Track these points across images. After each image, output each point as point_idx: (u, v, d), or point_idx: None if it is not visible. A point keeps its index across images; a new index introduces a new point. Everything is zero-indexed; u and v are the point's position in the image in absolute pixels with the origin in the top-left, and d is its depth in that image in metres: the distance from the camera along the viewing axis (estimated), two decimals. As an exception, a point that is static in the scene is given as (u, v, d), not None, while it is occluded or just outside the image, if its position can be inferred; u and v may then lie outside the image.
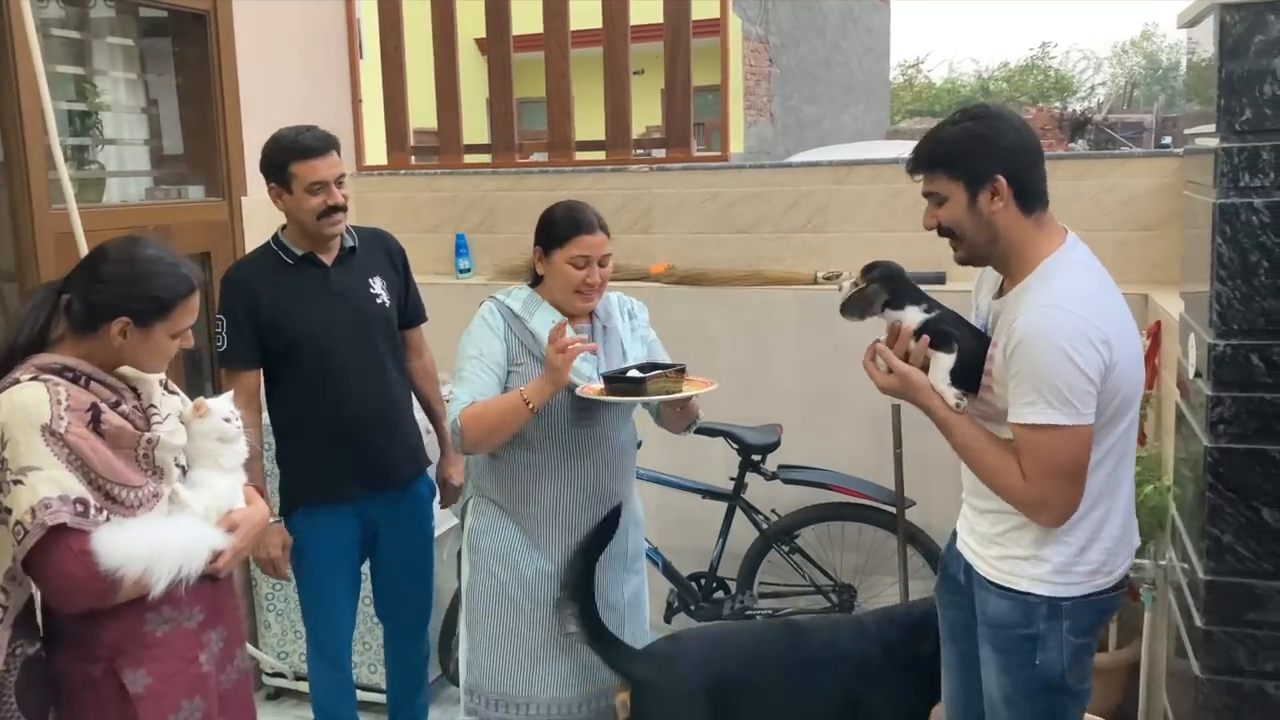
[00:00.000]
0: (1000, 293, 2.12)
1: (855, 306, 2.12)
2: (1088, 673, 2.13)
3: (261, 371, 2.93)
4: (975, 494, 2.19)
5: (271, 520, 2.88)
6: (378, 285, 2.99)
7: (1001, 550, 2.11)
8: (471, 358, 2.57)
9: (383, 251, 3.07)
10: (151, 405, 2.02)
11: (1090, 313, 1.94)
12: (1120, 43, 39.31)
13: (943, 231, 2.08)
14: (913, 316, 2.08)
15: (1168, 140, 17.09)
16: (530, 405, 2.42)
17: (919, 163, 2.08)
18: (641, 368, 2.53)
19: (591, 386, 2.49)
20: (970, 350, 2.08)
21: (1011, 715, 2.14)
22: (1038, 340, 1.93)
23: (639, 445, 2.84)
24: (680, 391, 2.47)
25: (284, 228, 2.95)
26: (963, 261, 2.12)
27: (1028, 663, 2.07)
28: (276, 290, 2.87)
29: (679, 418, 2.62)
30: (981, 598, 2.16)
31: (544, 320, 2.58)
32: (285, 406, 2.96)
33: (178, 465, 2.04)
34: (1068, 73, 32.89)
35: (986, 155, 2.00)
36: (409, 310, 3.12)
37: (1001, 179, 1.98)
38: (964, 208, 2.02)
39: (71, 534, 1.80)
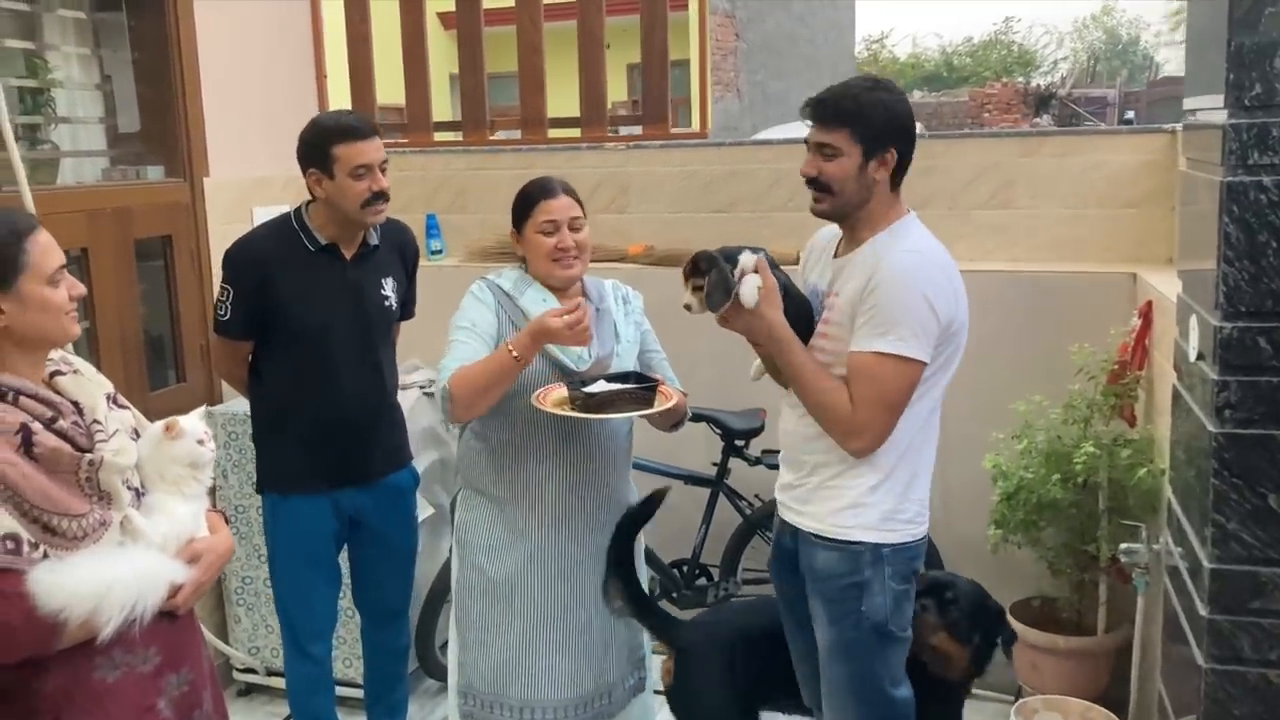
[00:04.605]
0: (838, 254, 2.31)
1: (719, 292, 2.20)
2: (908, 619, 2.31)
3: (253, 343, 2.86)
4: (801, 449, 2.32)
5: None
6: (389, 287, 2.90)
7: (830, 504, 2.26)
8: (463, 328, 2.50)
9: (398, 251, 2.97)
10: (95, 421, 1.79)
11: (946, 266, 2.19)
12: (1081, 18, 39.54)
13: (818, 184, 2.22)
14: (747, 259, 2.23)
15: (1130, 115, 17.25)
16: (516, 356, 2.34)
17: (827, 115, 2.19)
18: (620, 377, 2.47)
19: (550, 395, 2.41)
20: (796, 298, 2.31)
21: (842, 663, 2.30)
22: (903, 279, 2.13)
23: None
24: (651, 407, 2.40)
25: (308, 204, 2.81)
26: (823, 214, 2.27)
27: (854, 609, 2.24)
28: (290, 277, 2.75)
29: (663, 419, 2.55)
30: (809, 554, 2.31)
31: (534, 299, 2.52)
32: (272, 390, 2.87)
33: (129, 488, 1.81)
34: (1030, 47, 33.04)
35: (891, 128, 2.18)
36: (400, 307, 3.03)
37: (894, 152, 2.18)
38: (855, 168, 2.18)
39: (1, 575, 1.59)
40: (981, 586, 2.64)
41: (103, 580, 1.66)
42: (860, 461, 2.22)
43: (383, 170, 2.74)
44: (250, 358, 2.90)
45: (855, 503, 2.23)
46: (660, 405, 2.41)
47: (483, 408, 2.45)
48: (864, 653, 2.28)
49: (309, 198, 2.82)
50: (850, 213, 2.25)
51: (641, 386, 2.44)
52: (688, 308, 2.27)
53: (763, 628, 2.66)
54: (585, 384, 2.40)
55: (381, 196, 2.74)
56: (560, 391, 2.43)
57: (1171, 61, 28.79)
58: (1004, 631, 2.61)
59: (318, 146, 2.70)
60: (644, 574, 2.79)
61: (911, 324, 2.11)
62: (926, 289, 2.12)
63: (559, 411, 2.38)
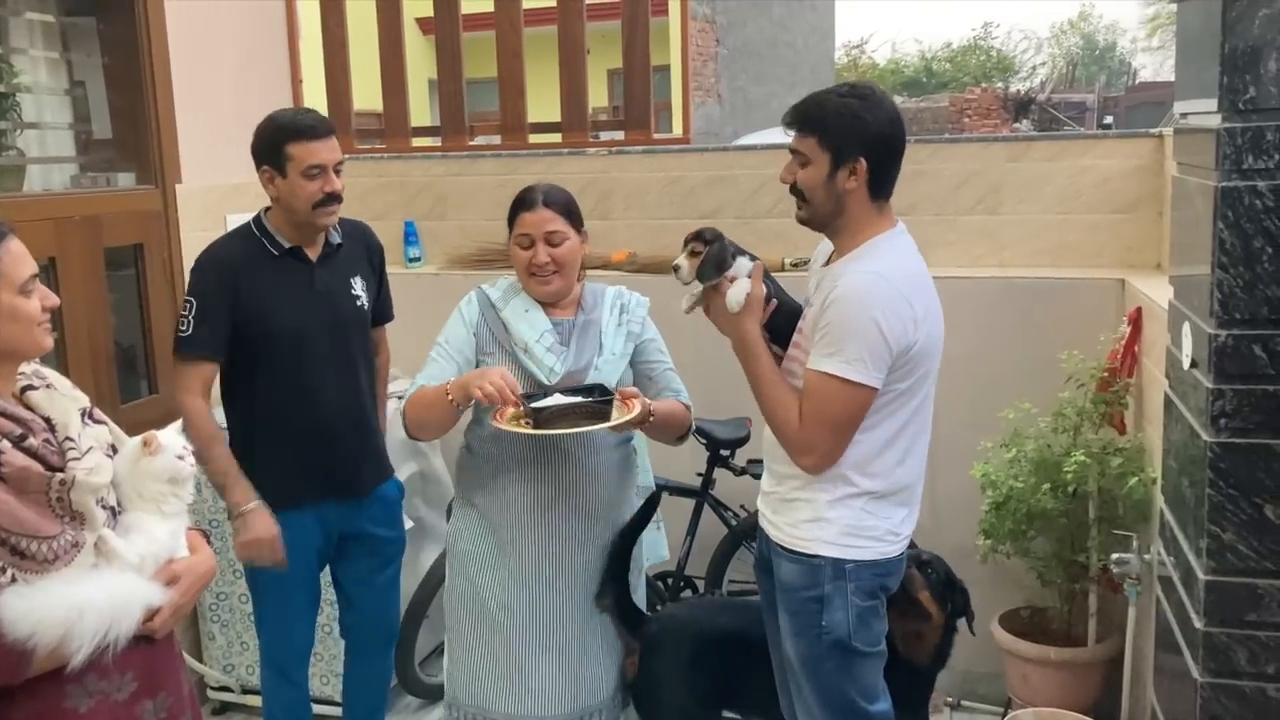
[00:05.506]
0: (828, 263, 2.27)
1: (712, 265, 2.23)
2: (876, 635, 2.27)
3: (220, 365, 2.74)
4: (775, 458, 2.30)
5: (252, 504, 2.64)
6: (358, 286, 2.84)
7: (793, 515, 2.24)
8: (438, 345, 2.50)
9: (364, 250, 2.92)
10: (68, 439, 1.72)
11: (908, 289, 2.13)
12: (1058, 23, 39.89)
13: (794, 190, 2.22)
14: (744, 264, 2.26)
15: (1109, 120, 17.35)
16: (451, 399, 2.32)
17: (798, 120, 2.19)
18: (584, 390, 2.37)
19: (507, 410, 2.34)
20: (788, 307, 2.31)
21: (808, 676, 2.27)
22: (854, 300, 2.10)
23: None
24: (607, 421, 2.31)
25: (267, 210, 2.76)
26: (803, 221, 2.26)
27: (815, 624, 2.22)
28: (257, 281, 2.68)
29: (658, 432, 2.49)
30: (776, 564, 2.29)
31: (517, 309, 2.49)
32: (250, 405, 2.78)
33: (105, 507, 1.73)
34: (1009, 53, 33.23)
35: (858, 137, 2.12)
36: (377, 309, 2.97)
37: (863, 162, 2.13)
38: (823, 177, 2.15)
39: None
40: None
41: (73, 605, 1.58)
42: (821, 476, 2.20)
43: (337, 172, 2.68)
44: (220, 381, 2.79)
45: (815, 516, 2.21)
46: (618, 419, 2.31)
47: (430, 433, 2.49)
48: (831, 667, 2.25)
49: (269, 204, 2.77)
50: (828, 222, 2.22)
51: (596, 400, 2.33)
52: (676, 268, 2.28)
53: (731, 629, 2.66)
54: (543, 398, 2.33)
55: (334, 198, 2.68)
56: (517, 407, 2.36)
57: (1148, 67, 29.04)
58: (968, 608, 2.59)
59: (272, 143, 2.65)
60: (642, 588, 2.73)
61: (858, 347, 2.08)
62: (878, 313, 2.08)
63: (511, 428, 2.31)
